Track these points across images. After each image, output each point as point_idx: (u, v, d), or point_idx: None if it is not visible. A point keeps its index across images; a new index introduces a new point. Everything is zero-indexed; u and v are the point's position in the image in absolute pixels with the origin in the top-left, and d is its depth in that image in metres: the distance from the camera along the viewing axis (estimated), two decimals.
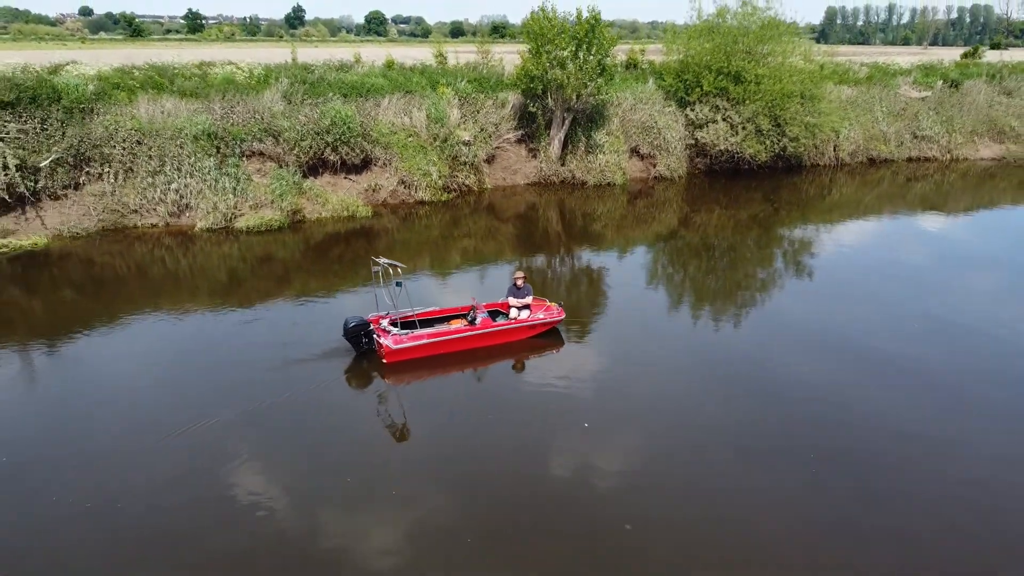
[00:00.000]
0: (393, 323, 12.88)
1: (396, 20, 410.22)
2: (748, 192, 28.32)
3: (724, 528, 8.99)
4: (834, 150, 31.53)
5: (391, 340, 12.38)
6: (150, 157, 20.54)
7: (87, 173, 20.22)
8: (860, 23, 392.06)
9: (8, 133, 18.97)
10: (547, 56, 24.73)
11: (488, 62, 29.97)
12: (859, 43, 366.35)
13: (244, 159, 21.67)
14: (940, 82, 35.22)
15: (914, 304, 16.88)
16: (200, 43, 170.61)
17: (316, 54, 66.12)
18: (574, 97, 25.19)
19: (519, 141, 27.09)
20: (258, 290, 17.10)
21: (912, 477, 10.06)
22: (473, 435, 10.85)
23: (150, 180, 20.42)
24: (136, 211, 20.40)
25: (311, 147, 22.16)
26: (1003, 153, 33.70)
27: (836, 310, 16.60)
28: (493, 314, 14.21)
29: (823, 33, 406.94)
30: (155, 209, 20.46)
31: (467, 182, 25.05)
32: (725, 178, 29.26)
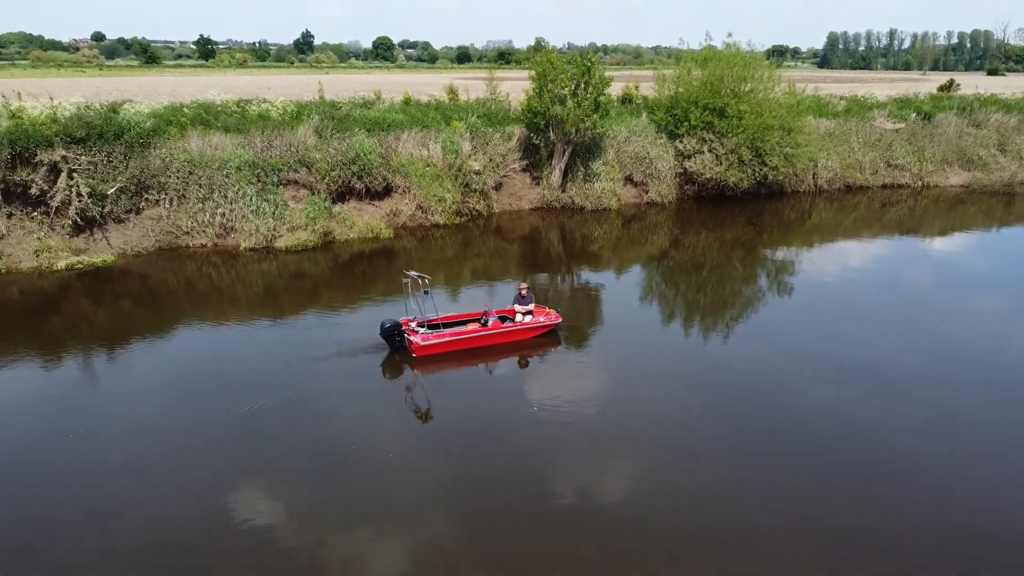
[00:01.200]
0: (420, 325, 15.61)
1: (403, 45, 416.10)
2: (732, 216, 31.06)
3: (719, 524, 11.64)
4: (813, 177, 34.34)
5: (419, 338, 15.11)
6: (200, 185, 23.44)
7: (146, 199, 23.12)
8: (861, 48, 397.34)
9: (81, 165, 21.87)
10: (549, 94, 27.66)
11: (495, 97, 32.94)
12: (860, 68, 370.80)
13: (281, 187, 24.56)
14: (913, 115, 38.09)
15: (895, 316, 19.47)
16: (213, 70, 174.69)
17: (329, 82, 69.27)
18: (573, 131, 28.07)
19: (524, 170, 29.96)
20: (297, 300, 19.88)
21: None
22: (482, 413, 13.53)
23: (200, 206, 23.31)
24: (188, 233, 23.25)
25: (340, 176, 25.06)
26: (970, 180, 36.44)
27: (814, 321, 19.34)
28: (502, 318, 16.91)
29: (825, 58, 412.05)
30: (204, 231, 23.31)
31: (477, 207, 27.89)
32: (711, 203, 32.01)
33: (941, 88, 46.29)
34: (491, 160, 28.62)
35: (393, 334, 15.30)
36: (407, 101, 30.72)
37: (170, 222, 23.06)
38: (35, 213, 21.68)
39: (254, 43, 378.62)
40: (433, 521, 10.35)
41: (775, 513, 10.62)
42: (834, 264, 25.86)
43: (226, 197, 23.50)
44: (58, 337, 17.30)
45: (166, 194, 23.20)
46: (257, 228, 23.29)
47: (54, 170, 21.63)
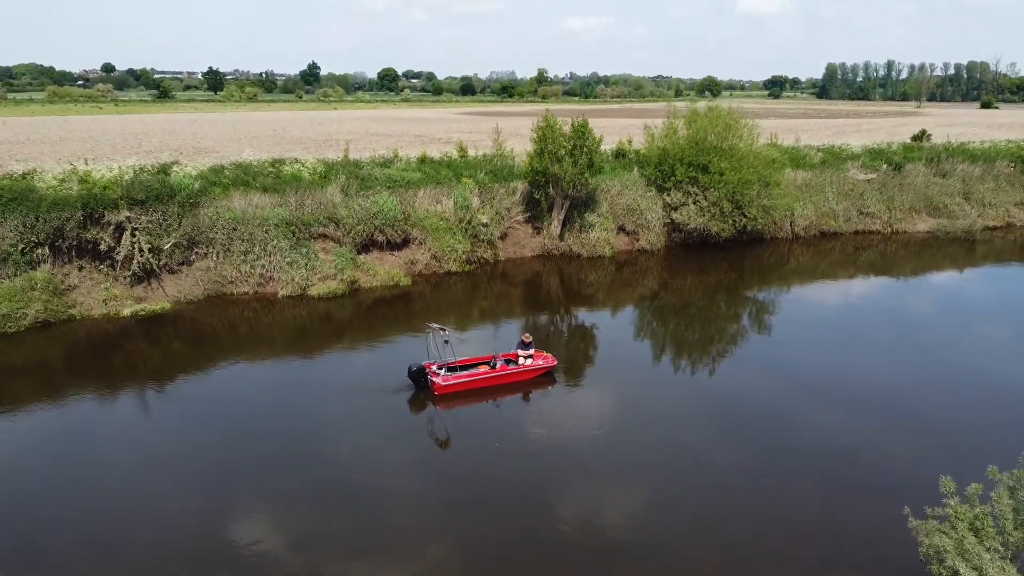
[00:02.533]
0: (440, 368, 18.75)
1: (407, 75, 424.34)
2: (716, 262, 34.27)
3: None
4: (790, 225, 37.60)
5: (440, 379, 18.25)
6: (242, 240, 26.75)
7: (196, 252, 26.43)
8: (860, 79, 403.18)
9: (141, 224, 25.20)
10: (549, 155, 31.05)
11: (501, 152, 36.39)
12: (859, 99, 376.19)
13: (312, 240, 27.86)
14: (884, 165, 41.47)
15: (872, 344, 22.93)
16: (225, 104, 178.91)
17: (339, 119, 72.94)
18: (570, 187, 31.41)
19: (526, 221, 33.28)
20: (328, 342, 23.09)
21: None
22: (490, 440, 16.63)
23: (243, 258, 26.60)
24: (232, 282, 26.51)
25: (364, 230, 28.37)
26: (935, 227, 39.66)
27: (795, 352, 22.58)
28: (507, 361, 20.03)
29: (824, 89, 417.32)
30: (246, 280, 26.57)
31: (485, 255, 31.15)
32: (697, 250, 35.22)
33: (914, 137, 49.70)
34: (497, 213, 31.94)
35: (419, 376, 18.44)
36: (423, 159, 34.14)
37: (217, 272, 26.33)
38: (102, 266, 24.98)
39: (261, 73, 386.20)
40: (453, 536, 13.41)
41: (774, 540, 13.25)
42: (811, 303, 29.37)
43: (265, 250, 26.79)
44: (119, 374, 20.44)
45: (213, 248, 26.51)
46: (292, 278, 26.55)
47: (119, 228, 24.95)
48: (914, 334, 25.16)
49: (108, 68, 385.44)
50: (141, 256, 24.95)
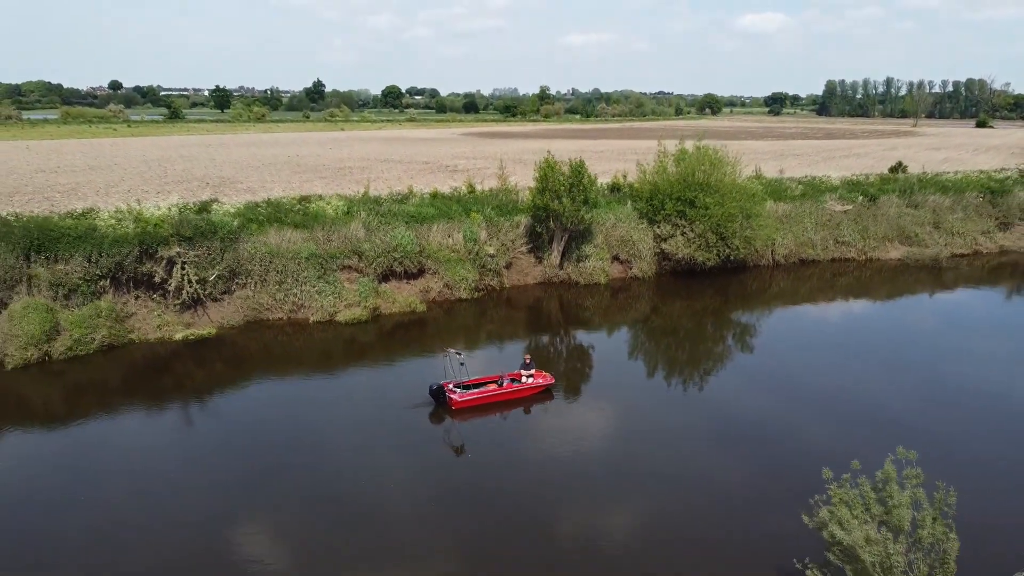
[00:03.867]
0: (456, 386, 22.05)
1: (411, 92, 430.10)
2: (703, 288, 37.58)
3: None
4: (771, 253, 40.93)
5: (457, 396, 21.55)
6: (277, 271, 30.14)
7: (236, 283, 29.83)
8: (859, 96, 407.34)
9: (189, 258, 28.60)
10: (549, 193, 34.45)
11: (506, 188, 39.84)
12: (858, 115, 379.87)
13: (339, 271, 31.23)
14: (860, 197, 44.84)
15: (843, 360, 26.36)
16: (234, 124, 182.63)
17: (348, 140, 76.83)
18: (569, 222, 34.79)
19: (529, 252, 36.65)
20: (355, 363, 26.40)
21: None
22: (497, 447, 19.90)
23: (277, 287, 29.97)
24: (268, 309, 29.86)
25: (384, 262, 31.75)
26: (906, 255, 42.96)
27: (776, 368, 25.99)
28: (512, 380, 23.30)
29: (823, 105, 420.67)
30: (281, 307, 29.93)
31: (492, 283, 34.50)
32: (685, 277, 38.53)
33: (891, 169, 53.11)
34: (503, 244, 35.31)
35: (438, 393, 21.75)
36: (435, 195, 37.60)
37: (255, 301, 29.69)
38: (156, 295, 28.38)
39: (265, 90, 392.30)
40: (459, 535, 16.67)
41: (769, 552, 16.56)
42: (791, 325, 33.02)
43: (297, 280, 30.17)
44: (169, 391, 23.76)
45: (251, 278, 29.90)
46: (321, 305, 29.91)
47: (170, 262, 28.35)
48: (882, 349, 28.43)
49: (115, 85, 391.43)
50: (189, 287, 28.34)
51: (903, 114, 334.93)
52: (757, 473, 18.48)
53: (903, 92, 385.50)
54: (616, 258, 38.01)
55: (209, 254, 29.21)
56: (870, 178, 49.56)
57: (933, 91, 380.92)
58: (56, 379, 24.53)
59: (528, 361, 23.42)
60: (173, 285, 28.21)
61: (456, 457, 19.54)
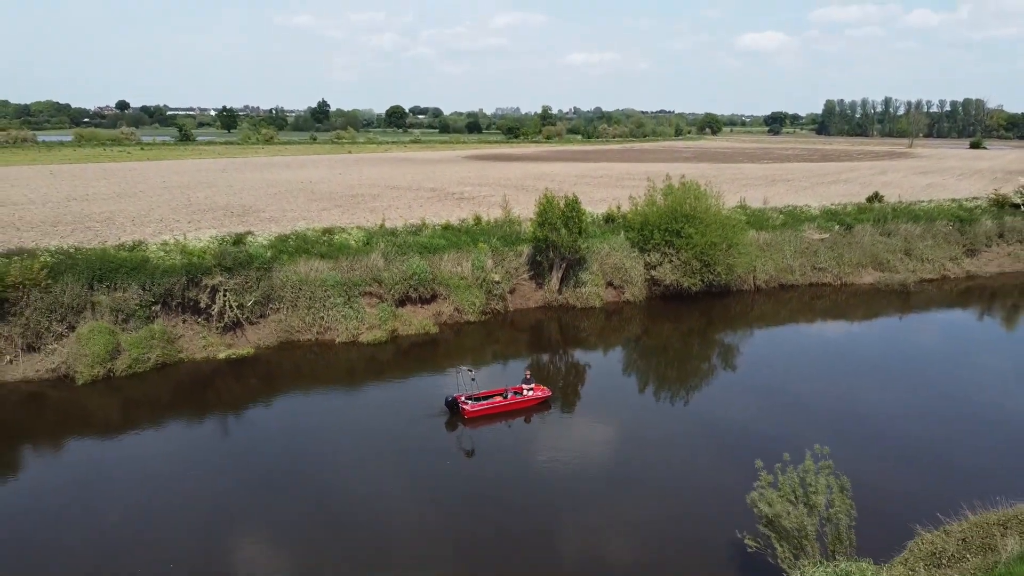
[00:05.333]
0: (467, 398, 25.71)
1: (414, 111, 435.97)
2: (689, 310, 41.26)
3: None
4: (752, 279, 44.63)
5: (469, 407, 25.21)
6: (306, 297, 33.89)
7: (270, 308, 33.59)
8: (858, 115, 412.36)
9: (230, 286, 32.35)
10: (548, 225, 38.26)
11: (509, 219, 43.66)
12: (857, 134, 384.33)
13: (361, 297, 34.98)
14: (837, 226, 48.61)
15: (821, 374, 30.05)
16: (245, 147, 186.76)
17: (357, 163, 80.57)
18: (566, 251, 38.58)
19: (531, 278, 40.43)
20: (376, 378, 30.08)
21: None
22: (503, 451, 23.55)
23: (307, 311, 33.72)
24: (299, 331, 33.59)
25: (401, 288, 35.51)
26: (878, 279, 46.65)
27: (756, 382, 29.58)
28: (515, 393, 26.94)
29: (823, 125, 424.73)
30: (310, 330, 33.65)
31: (497, 307, 38.23)
32: (673, 301, 42.19)
33: (869, 199, 56.91)
34: (507, 272, 39.08)
35: (453, 405, 25.43)
36: (446, 227, 41.49)
37: (287, 323, 33.43)
38: (200, 319, 32.13)
39: (271, 110, 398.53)
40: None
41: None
42: (770, 344, 36.77)
43: (324, 305, 33.92)
44: (212, 404, 27.48)
45: (284, 304, 33.66)
46: (346, 328, 33.64)
47: (213, 290, 32.11)
48: (849, 363, 32.07)
49: (122, 105, 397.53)
50: (230, 311, 32.08)
51: (901, 133, 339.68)
52: (728, 468, 22.08)
53: (901, 112, 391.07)
54: (610, 284, 41.72)
55: (247, 282, 32.95)
56: (848, 208, 53.34)
57: (931, 111, 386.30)
58: (117, 393, 28.22)
59: (528, 376, 27.09)
60: (216, 310, 31.95)
61: (468, 459, 23.19)
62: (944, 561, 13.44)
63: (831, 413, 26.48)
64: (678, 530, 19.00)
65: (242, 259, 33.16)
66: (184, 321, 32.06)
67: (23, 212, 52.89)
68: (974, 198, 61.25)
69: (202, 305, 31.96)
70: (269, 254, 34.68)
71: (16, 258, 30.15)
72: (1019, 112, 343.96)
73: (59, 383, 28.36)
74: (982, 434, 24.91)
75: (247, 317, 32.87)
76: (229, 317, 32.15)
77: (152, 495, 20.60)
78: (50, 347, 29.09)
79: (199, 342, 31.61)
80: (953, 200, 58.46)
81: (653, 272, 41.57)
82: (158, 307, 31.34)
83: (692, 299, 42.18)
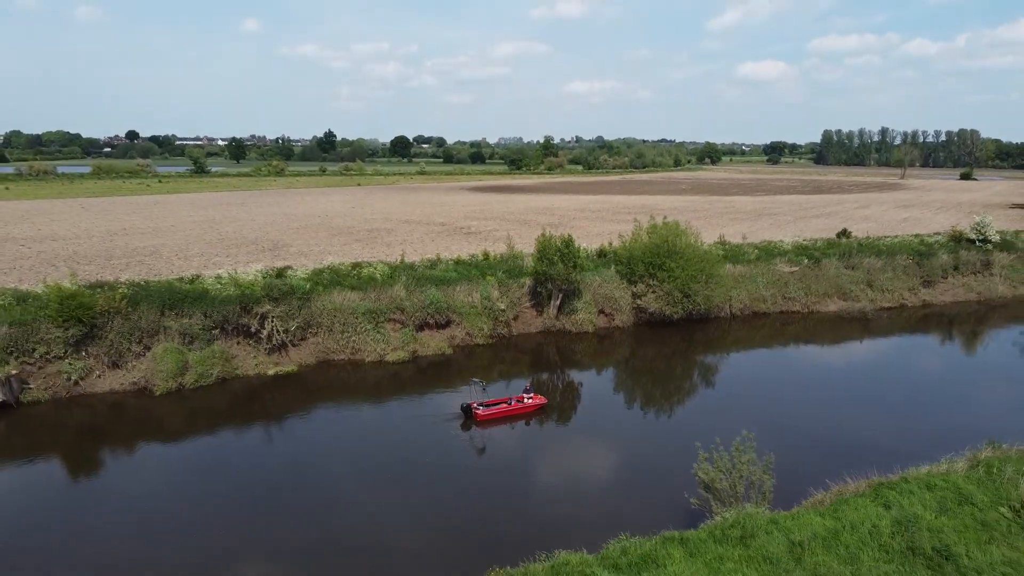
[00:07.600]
0: (479, 405, 31.36)
1: (418, 140, 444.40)
2: (671, 335, 46.94)
3: None
4: (729, 307, 50.35)
5: (481, 411, 30.87)
6: (340, 323, 39.68)
7: (310, 331, 39.37)
8: (855, 145, 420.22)
9: (276, 314, 38.14)
10: (546, 260, 44.13)
11: (513, 254, 49.58)
12: (854, 164, 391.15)
13: (386, 323, 40.79)
14: (806, 260, 54.43)
15: (793, 393, 35.37)
16: (258, 180, 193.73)
17: (370, 203, 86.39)
18: (562, 282, 44.41)
19: (532, 306, 46.24)
20: (400, 392, 35.75)
21: None
22: (509, 447, 29.18)
23: (340, 335, 39.49)
24: (333, 352, 39.33)
25: (420, 315, 41.31)
26: (841, 308, 52.36)
27: (732, 396, 35.05)
28: (518, 401, 32.56)
29: (821, 154, 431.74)
30: (343, 351, 39.40)
31: (502, 332, 43.98)
32: (658, 327, 47.90)
33: (838, 234, 62.79)
34: (511, 301, 44.90)
35: (467, 410, 31.10)
36: (458, 261, 47.44)
37: (323, 345, 39.20)
38: (251, 341, 37.91)
39: (277, 139, 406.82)
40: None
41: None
42: (744, 364, 42.08)
43: (355, 330, 39.71)
44: (258, 415, 33.05)
45: (321, 328, 39.46)
46: (374, 349, 39.40)
47: (263, 316, 37.93)
48: (809, 379, 37.61)
49: (132, 135, 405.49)
50: (276, 335, 37.88)
51: (898, 163, 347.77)
52: (686, 454, 27.60)
53: (898, 142, 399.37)
54: (602, 311, 47.49)
55: (290, 310, 38.79)
56: (817, 243, 59.23)
57: (927, 140, 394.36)
58: (186, 403, 33.90)
59: (528, 387, 32.78)
60: (265, 334, 37.76)
61: (479, 456, 28.81)
62: (822, 509, 19.17)
63: (779, 415, 32.07)
64: (644, 495, 24.54)
65: (285, 290, 39.04)
66: (238, 343, 37.85)
67: (75, 247, 59.05)
68: (936, 233, 67.11)
69: (252, 329, 37.79)
70: (308, 286, 40.56)
71: (100, 290, 36.07)
72: (1012, 141, 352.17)
73: (139, 394, 34.09)
74: (879, 425, 30.59)
75: (291, 340, 38.65)
76: (276, 340, 37.95)
77: (205, 490, 26.45)
78: (130, 364, 34.86)
79: (251, 361, 37.36)
80: (916, 235, 64.29)
81: (639, 301, 47.34)
82: (217, 331, 37.16)
83: (674, 325, 47.86)
